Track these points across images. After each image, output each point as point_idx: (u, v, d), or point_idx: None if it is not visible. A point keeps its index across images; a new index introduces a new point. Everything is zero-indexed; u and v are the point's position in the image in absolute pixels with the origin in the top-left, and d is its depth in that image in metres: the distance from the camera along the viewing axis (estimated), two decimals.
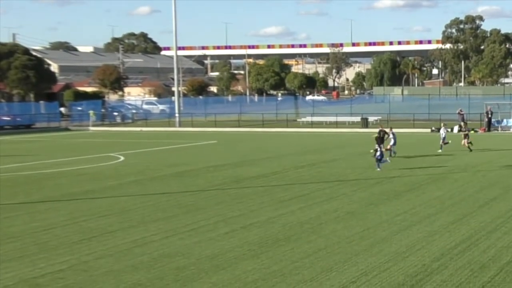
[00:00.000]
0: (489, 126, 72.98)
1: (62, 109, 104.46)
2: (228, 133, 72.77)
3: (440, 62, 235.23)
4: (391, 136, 44.34)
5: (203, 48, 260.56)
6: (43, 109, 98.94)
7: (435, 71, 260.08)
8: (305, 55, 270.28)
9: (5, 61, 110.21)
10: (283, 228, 22.72)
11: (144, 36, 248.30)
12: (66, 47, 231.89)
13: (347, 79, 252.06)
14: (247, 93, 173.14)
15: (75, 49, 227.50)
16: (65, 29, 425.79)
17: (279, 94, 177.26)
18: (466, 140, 48.76)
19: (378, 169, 38.41)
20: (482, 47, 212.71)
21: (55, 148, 57.49)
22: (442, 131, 49.46)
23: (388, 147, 43.73)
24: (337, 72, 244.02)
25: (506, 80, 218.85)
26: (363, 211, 25.88)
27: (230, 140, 62.29)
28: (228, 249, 19.83)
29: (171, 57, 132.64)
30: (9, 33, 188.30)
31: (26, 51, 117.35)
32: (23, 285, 16.64)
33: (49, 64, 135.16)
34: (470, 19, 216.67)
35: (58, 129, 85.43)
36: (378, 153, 38.81)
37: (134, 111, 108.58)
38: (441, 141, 48.78)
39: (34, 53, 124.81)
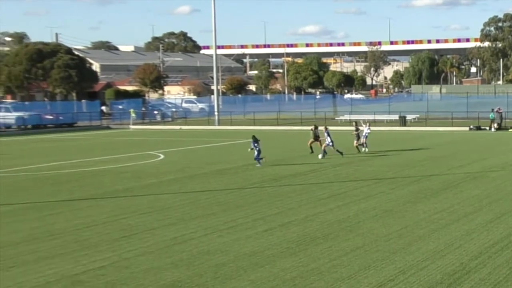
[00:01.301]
0: None
1: (103, 107, 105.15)
2: (266, 131, 72.76)
3: (478, 60, 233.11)
4: (326, 135, 44.36)
5: (242, 47, 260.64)
6: (85, 107, 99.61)
7: (473, 70, 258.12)
8: (343, 53, 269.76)
9: (48, 61, 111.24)
10: (321, 226, 22.69)
11: (184, 35, 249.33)
12: (108, 47, 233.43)
13: (385, 78, 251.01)
14: (286, 92, 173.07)
15: (116, 49, 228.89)
16: (107, 28, 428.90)
17: (318, 93, 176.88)
18: (356, 141, 48.15)
19: (258, 165, 40.01)
20: None
21: (97, 146, 57.88)
22: (366, 129, 49.02)
23: (323, 146, 44.03)
24: (375, 71, 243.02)
25: None
26: (400, 209, 25.77)
27: (269, 139, 62.27)
28: (266, 247, 19.84)
29: (211, 56, 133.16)
30: (52, 33, 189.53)
31: (68, 51, 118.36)
32: (65, 281, 16.78)
33: (91, 63, 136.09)
34: (509, 17, 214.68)
35: (99, 128, 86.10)
36: (256, 153, 40.16)
37: (174, 109, 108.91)
38: (364, 139, 48.54)
39: (76, 53, 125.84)
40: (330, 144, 43.74)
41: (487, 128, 70.98)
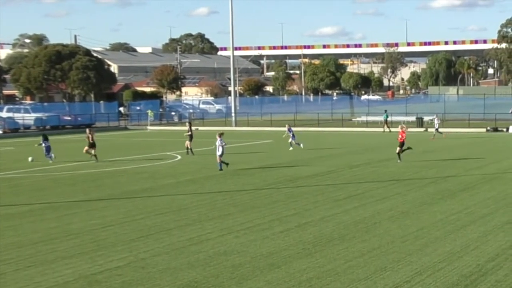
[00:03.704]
0: None
1: (121, 108, 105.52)
2: (283, 133, 72.65)
3: (495, 61, 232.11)
4: (218, 143, 38.71)
5: (259, 48, 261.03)
6: (103, 109, 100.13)
7: (490, 71, 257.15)
8: (360, 55, 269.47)
9: (66, 62, 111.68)
10: (337, 227, 22.62)
11: (201, 36, 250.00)
12: (126, 48, 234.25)
13: (402, 79, 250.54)
14: (303, 93, 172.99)
15: (134, 50, 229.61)
16: (125, 30, 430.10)
17: (335, 94, 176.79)
18: (189, 142, 47.79)
19: (50, 161, 43.76)
20: None
21: (115, 147, 58.05)
22: (287, 130, 52.96)
23: (218, 159, 38.73)
24: (392, 72, 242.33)
25: None
26: (417, 210, 25.66)
27: (286, 140, 62.21)
28: (283, 248, 19.80)
29: (228, 57, 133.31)
30: (71, 34, 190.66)
31: (87, 52, 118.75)
32: (82, 281, 16.79)
33: (109, 65, 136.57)
34: None
35: (117, 128, 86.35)
36: (44, 150, 44.43)
37: (191, 110, 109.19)
38: (291, 139, 52.08)
39: (94, 54, 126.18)
40: (219, 153, 38.68)
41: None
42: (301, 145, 51.41)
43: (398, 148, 42.13)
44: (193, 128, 50.61)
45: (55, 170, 40.38)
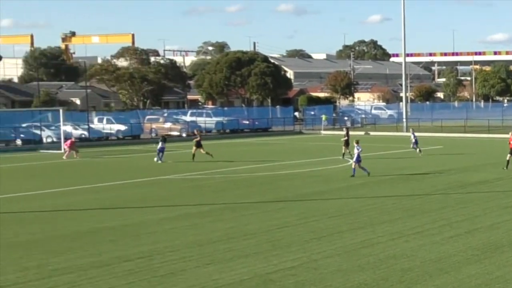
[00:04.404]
0: None
1: (296, 113, 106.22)
2: (454, 139, 71.26)
3: None
4: (356, 150, 38.09)
5: (430, 54, 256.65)
6: (279, 113, 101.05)
7: None
8: None
9: (246, 68, 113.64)
10: (507, 234, 21.98)
11: (374, 43, 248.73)
12: (301, 55, 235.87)
13: None
14: (473, 99, 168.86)
15: (309, 56, 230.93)
16: (300, 37, 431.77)
17: (505, 101, 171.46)
18: (345, 147, 47.68)
19: (159, 160, 46.87)
20: None
21: (290, 150, 58.58)
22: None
23: (353, 165, 38.17)
24: None
25: None
26: None
27: (456, 146, 61.00)
28: (452, 253, 19.43)
29: (400, 63, 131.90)
30: (250, 41, 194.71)
31: (265, 59, 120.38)
32: (257, 280, 17.06)
33: (285, 71, 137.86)
34: None
35: (292, 133, 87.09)
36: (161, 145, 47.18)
37: (363, 115, 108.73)
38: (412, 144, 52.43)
39: (272, 61, 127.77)
40: (355, 159, 38.11)
41: None
42: (421, 153, 50.64)
43: (508, 155, 40.20)
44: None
45: (233, 172, 41.18)
